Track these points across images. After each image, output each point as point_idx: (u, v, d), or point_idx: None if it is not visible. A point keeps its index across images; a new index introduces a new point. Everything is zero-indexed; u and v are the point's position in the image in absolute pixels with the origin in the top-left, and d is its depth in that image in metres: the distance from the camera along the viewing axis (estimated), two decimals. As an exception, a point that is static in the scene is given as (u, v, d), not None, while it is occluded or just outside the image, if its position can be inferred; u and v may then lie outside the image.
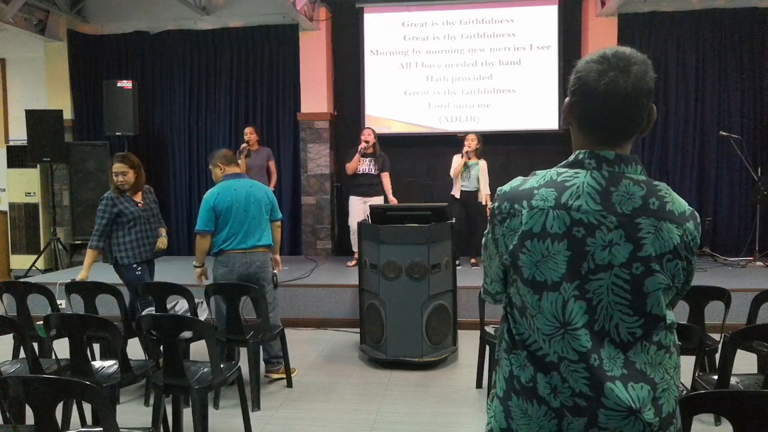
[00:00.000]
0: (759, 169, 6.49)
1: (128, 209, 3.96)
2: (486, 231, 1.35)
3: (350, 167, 6.31)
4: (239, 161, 4.93)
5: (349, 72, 7.42)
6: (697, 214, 1.25)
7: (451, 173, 6.30)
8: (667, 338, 1.21)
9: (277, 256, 4.23)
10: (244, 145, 6.62)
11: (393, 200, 6.34)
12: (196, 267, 4.00)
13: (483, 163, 6.26)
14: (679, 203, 1.23)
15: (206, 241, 3.89)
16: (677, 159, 6.97)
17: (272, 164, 6.87)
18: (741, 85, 6.83)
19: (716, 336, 3.33)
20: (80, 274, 3.96)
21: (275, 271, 4.09)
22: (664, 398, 1.19)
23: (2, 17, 6.52)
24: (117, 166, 3.97)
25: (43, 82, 7.78)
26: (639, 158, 1.24)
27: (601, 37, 6.71)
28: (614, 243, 1.17)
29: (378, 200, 6.31)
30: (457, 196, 6.26)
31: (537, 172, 1.28)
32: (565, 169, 1.25)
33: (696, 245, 1.22)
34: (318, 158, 7.34)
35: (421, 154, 7.30)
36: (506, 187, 1.30)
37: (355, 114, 7.36)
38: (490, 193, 6.19)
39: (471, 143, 6.16)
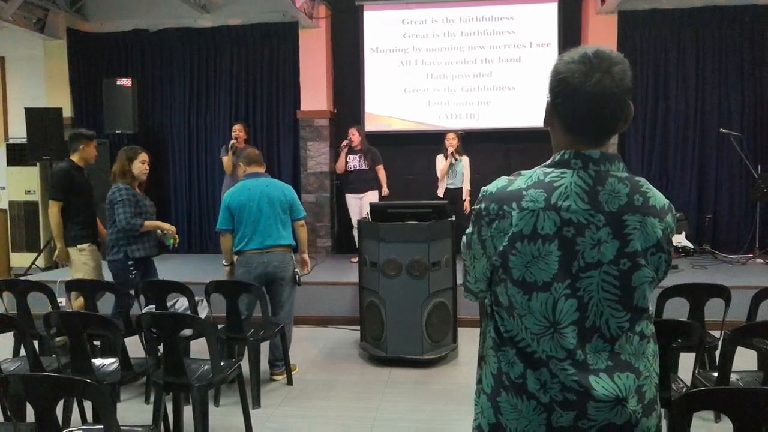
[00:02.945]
0: (759, 167, 6.49)
1: (145, 205, 3.99)
2: (468, 231, 1.34)
3: (338, 167, 6.61)
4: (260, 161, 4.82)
5: (348, 70, 7.42)
6: (672, 206, 1.28)
7: (438, 174, 6.41)
8: (648, 328, 1.25)
9: (305, 256, 4.18)
10: (233, 141, 6.50)
11: (386, 191, 6.47)
12: (224, 265, 4.06)
13: (466, 159, 6.41)
14: (659, 197, 1.26)
15: (227, 239, 3.95)
16: (677, 156, 6.96)
17: None
18: (741, 83, 6.82)
19: (716, 333, 3.33)
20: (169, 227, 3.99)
21: (297, 271, 4.04)
22: (647, 385, 1.22)
23: (2, 15, 6.50)
24: (144, 156, 4.03)
25: (42, 80, 7.76)
26: (620, 156, 1.26)
27: (601, 35, 6.70)
28: (602, 241, 1.20)
29: (371, 195, 6.39)
30: (441, 195, 6.36)
31: (522, 172, 1.28)
32: (551, 169, 1.25)
33: (673, 236, 1.26)
34: (318, 156, 7.33)
35: (421, 152, 7.28)
36: (491, 188, 1.28)
37: (355, 112, 7.34)
38: (470, 189, 6.33)
39: (453, 142, 6.31)
